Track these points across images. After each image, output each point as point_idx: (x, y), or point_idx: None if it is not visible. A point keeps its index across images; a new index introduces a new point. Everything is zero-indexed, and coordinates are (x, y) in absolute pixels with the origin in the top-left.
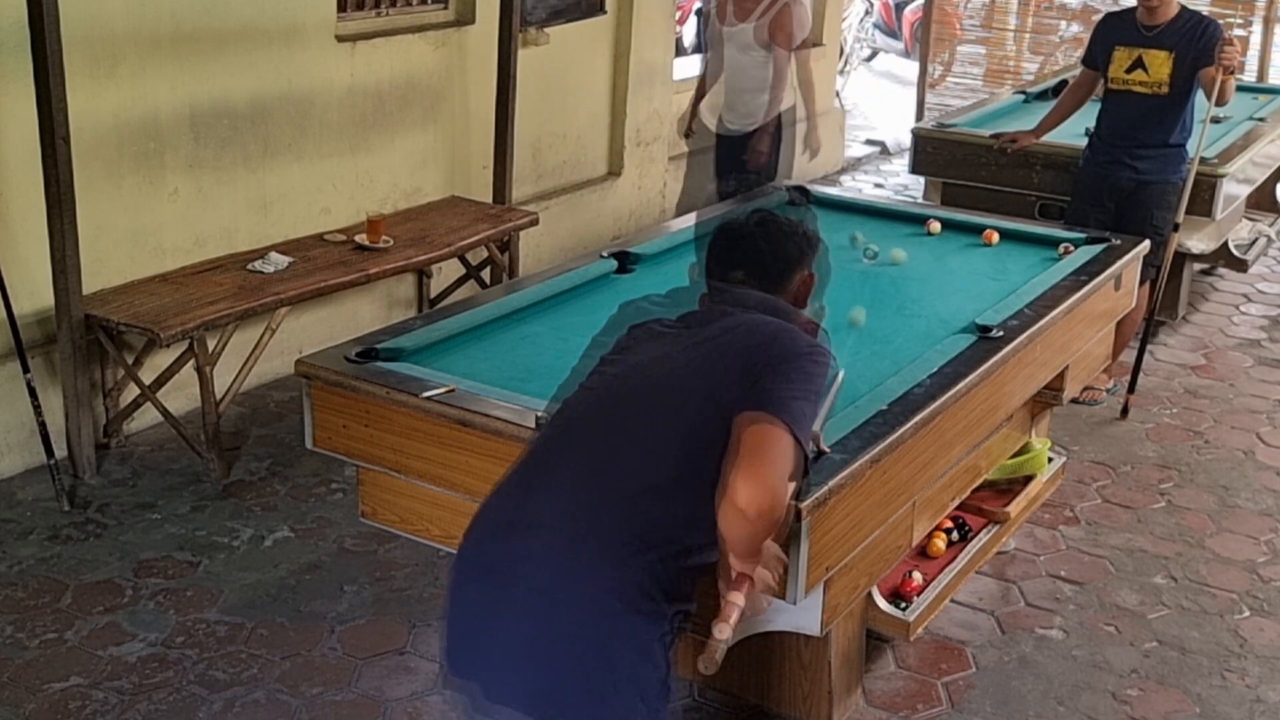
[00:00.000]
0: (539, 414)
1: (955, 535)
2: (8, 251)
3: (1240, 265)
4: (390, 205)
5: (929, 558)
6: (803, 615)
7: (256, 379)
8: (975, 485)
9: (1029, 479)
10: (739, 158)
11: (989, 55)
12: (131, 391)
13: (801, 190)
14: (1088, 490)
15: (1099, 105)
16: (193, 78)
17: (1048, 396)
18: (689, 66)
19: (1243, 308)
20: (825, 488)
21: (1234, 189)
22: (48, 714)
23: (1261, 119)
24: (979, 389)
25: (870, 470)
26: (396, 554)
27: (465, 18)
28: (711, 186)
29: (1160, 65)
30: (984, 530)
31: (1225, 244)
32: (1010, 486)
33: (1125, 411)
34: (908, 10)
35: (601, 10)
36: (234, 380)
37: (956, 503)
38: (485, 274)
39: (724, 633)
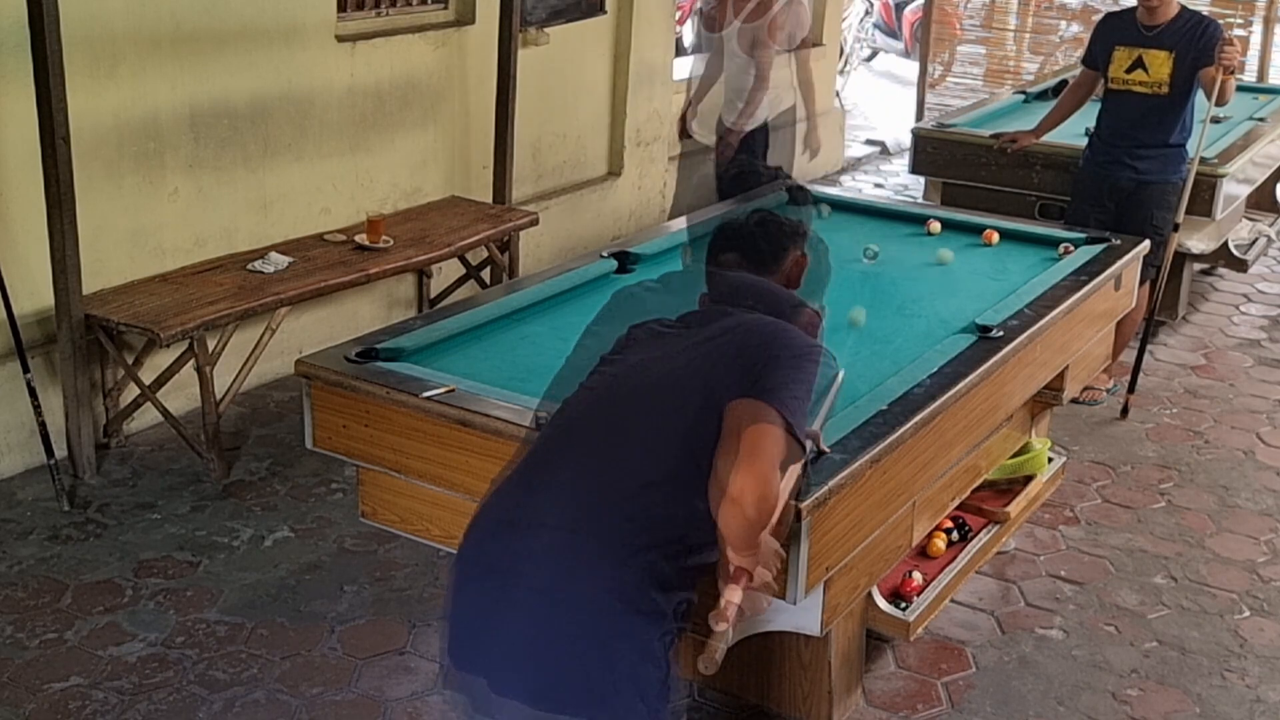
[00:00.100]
0: (538, 412)
1: (955, 535)
2: (8, 251)
3: (1240, 265)
4: (390, 205)
5: (929, 558)
6: (803, 615)
7: (256, 379)
8: (975, 485)
9: (1029, 479)
10: (738, 158)
11: (989, 55)
12: (131, 391)
13: (802, 190)
14: (1088, 490)
15: (1099, 105)
16: (193, 78)
17: (1048, 396)
18: (689, 66)
19: (1243, 308)
20: (825, 488)
21: (1234, 189)
22: (48, 714)
23: (1261, 119)
24: (979, 389)
25: (870, 470)
26: (396, 554)
27: (465, 18)
28: (710, 186)
29: (1160, 65)
30: (984, 530)
31: (1225, 244)
32: (1010, 486)
33: (1125, 411)
34: (908, 10)
35: (601, 10)
36: (234, 380)
37: (956, 503)
38: (485, 274)
39: (721, 626)
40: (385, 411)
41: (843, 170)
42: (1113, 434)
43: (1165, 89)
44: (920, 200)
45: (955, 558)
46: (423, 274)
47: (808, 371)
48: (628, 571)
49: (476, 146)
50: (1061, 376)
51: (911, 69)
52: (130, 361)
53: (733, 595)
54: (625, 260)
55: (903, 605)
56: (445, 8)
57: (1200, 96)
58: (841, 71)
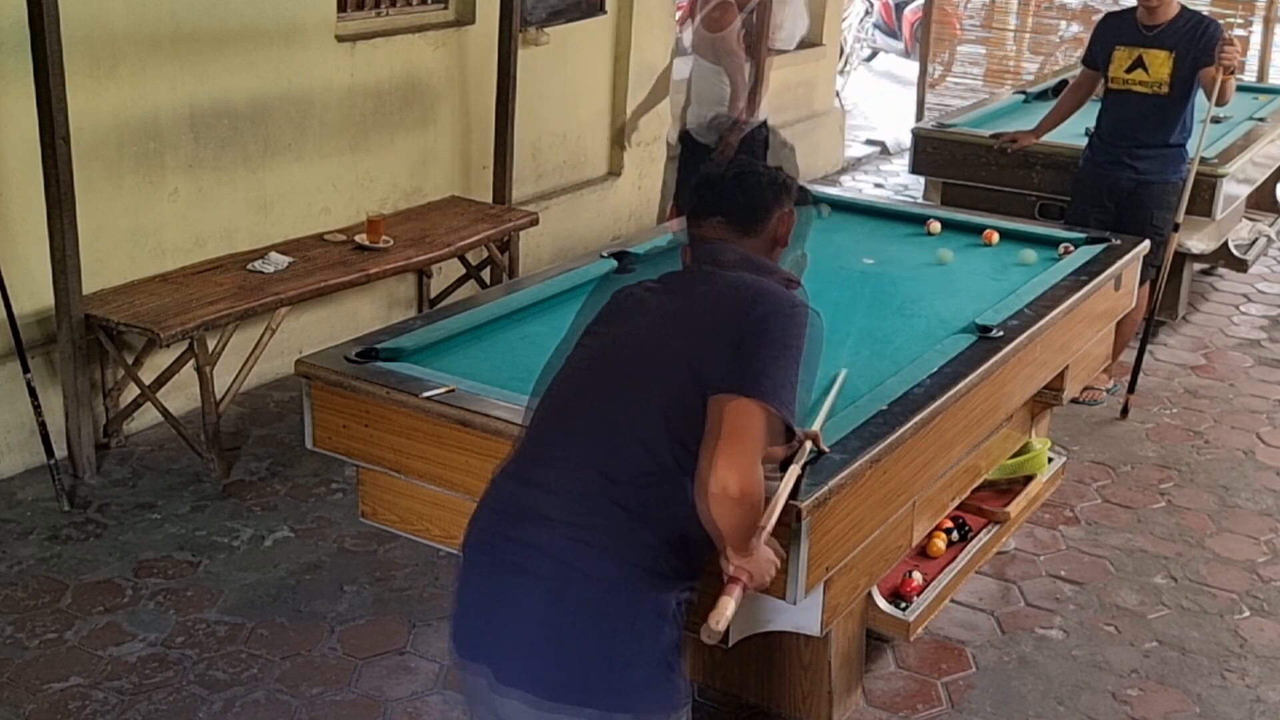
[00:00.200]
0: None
1: (955, 535)
2: (8, 251)
3: (1240, 265)
4: (390, 205)
5: (929, 558)
6: (803, 615)
7: (256, 379)
8: (975, 485)
9: (1029, 479)
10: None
11: (989, 55)
12: (131, 391)
13: (802, 190)
14: (1088, 490)
15: (1099, 105)
16: (193, 78)
17: (1048, 396)
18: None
19: (1243, 308)
20: (825, 488)
21: (1234, 189)
22: (48, 714)
23: (1261, 119)
24: (979, 389)
25: (870, 470)
26: (396, 554)
27: (465, 18)
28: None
29: (1160, 65)
30: (984, 530)
31: (1225, 244)
32: (1010, 486)
33: (1125, 411)
34: (908, 10)
35: (601, 10)
36: (234, 380)
37: (956, 503)
38: (485, 274)
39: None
40: (385, 411)
41: (843, 170)
42: (1113, 434)
43: (1165, 89)
44: (920, 200)
45: (955, 558)
46: (423, 274)
47: (794, 339)
48: (630, 556)
49: (476, 146)
50: (1061, 376)
51: (911, 69)
52: (130, 361)
53: (726, 607)
54: (625, 260)
55: (903, 605)
56: (445, 8)
57: (1200, 96)
58: (841, 71)
